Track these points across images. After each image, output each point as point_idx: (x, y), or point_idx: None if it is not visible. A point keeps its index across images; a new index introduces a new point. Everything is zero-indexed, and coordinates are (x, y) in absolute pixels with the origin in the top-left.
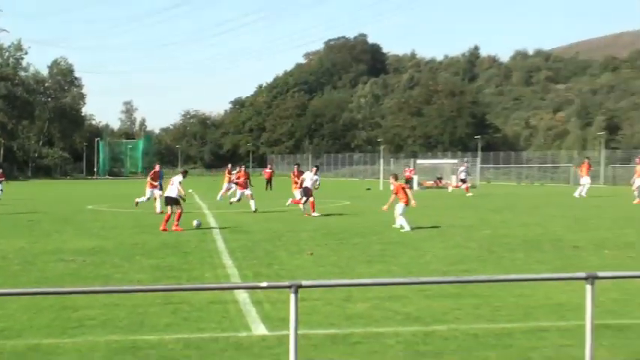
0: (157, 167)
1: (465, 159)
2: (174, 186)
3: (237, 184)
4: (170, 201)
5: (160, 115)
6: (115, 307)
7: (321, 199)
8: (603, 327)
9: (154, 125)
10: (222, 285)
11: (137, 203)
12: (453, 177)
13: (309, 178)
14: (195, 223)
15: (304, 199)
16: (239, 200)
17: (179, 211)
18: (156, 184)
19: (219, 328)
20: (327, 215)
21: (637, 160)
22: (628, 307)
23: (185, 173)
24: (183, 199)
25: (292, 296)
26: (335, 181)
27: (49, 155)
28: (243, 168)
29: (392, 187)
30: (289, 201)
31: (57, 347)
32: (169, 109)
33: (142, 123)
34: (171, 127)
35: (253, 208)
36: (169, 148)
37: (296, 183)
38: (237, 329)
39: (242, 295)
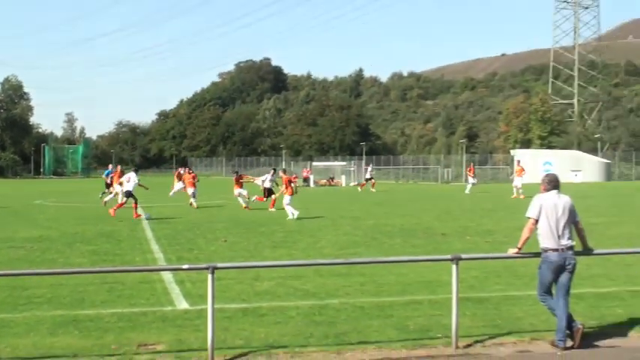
0: (118, 168)
1: (371, 164)
2: (131, 182)
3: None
4: (128, 194)
5: (97, 125)
6: (59, 286)
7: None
8: (466, 299)
9: (92, 133)
10: (150, 267)
11: (105, 202)
12: (343, 176)
13: (268, 180)
14: (145, 215)
15: (265, 198)
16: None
17: (124, 202)
18: (121, 180)
19: (148, 304)
20: (238, 208)
21: (517, 162)
22: (486, 283)
23: (137, 171)
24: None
25: (209, 276)
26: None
27: (2, 158)
28: (188, 169)
29: (269, 178)
30: (254, 197)
31: (9, 321)
32: (105, 120)
33: (82, 131)
34: (107, 135)
35: (194, 205)
36: (105, 152)
37: (238, 184)
38: (163, 304)
39: (167, 276)
